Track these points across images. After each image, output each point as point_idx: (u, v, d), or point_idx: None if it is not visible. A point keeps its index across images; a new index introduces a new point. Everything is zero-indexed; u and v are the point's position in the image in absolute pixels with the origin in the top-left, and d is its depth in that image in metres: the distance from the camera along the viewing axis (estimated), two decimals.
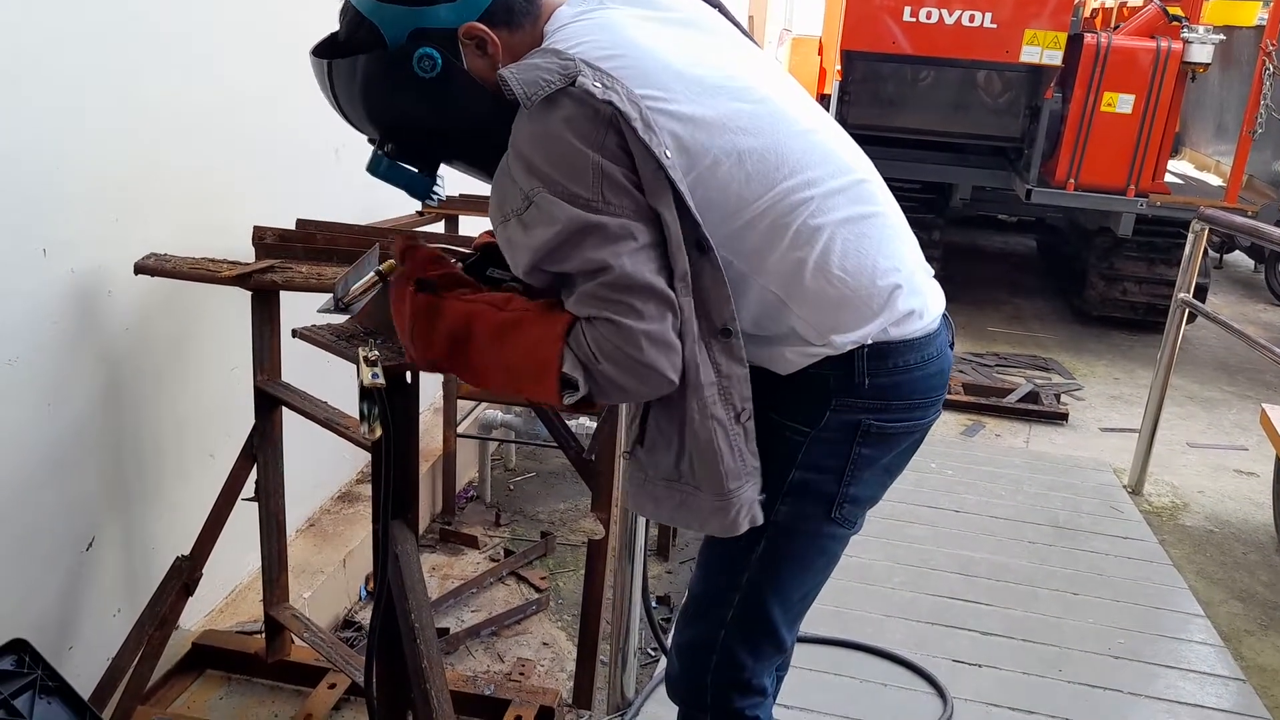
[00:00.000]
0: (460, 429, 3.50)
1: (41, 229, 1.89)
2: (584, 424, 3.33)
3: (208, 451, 2.46)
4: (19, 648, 1.89)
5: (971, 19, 5.55)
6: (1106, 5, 7.04)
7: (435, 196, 1.39)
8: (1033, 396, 5.06)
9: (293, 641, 2.40)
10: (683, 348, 1.22)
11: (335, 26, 1.34)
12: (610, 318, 1.19)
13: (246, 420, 2.14)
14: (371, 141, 1.36)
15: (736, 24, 1.45)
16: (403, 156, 1.35)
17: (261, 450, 2.15)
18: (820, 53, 6.98)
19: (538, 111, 1.16)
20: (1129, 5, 6.76)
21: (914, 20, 5.62)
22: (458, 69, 1.26)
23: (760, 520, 1.32)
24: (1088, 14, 6.78)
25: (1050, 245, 7.92)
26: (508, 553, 3.35)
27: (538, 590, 3.12)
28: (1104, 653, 2.75)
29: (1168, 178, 6.19)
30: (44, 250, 1.90)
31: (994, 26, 5.54)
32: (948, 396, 1.51)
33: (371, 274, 1.53)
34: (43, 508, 2.00)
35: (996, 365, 5.64)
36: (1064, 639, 2.81)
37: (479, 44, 1.27)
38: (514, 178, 1.21)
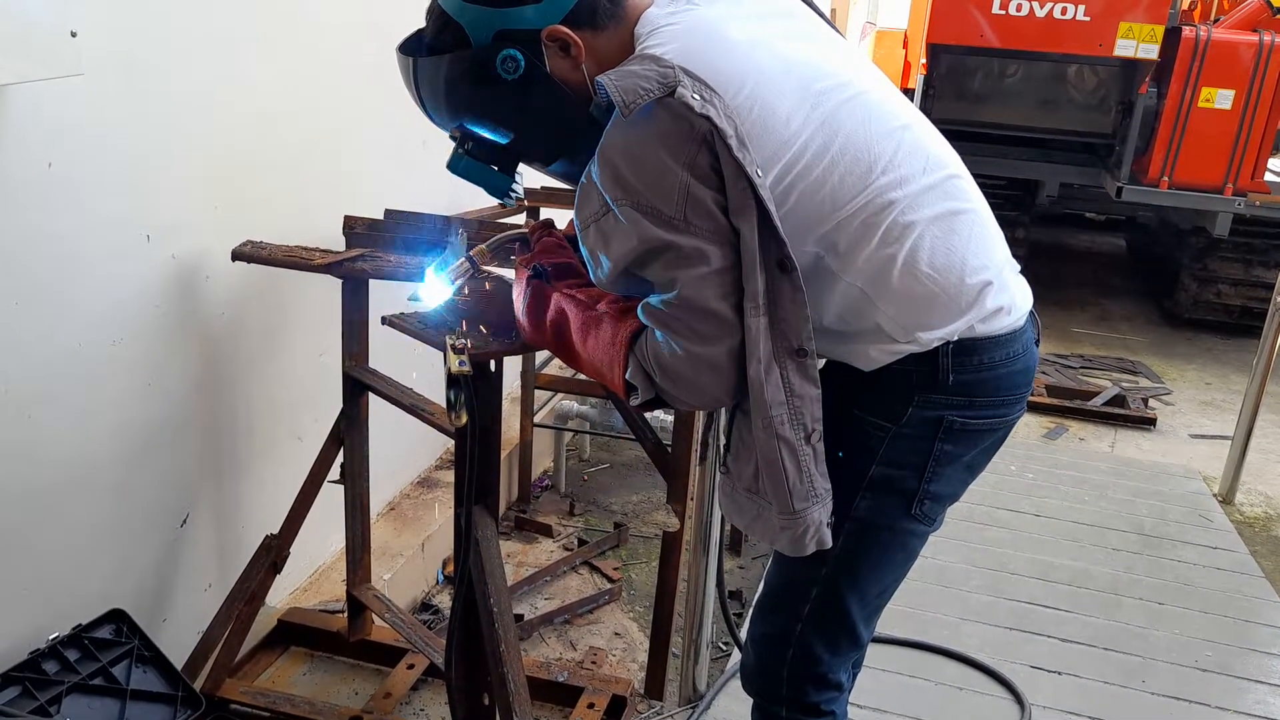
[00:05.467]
0: (537, 419, 3.54)
1: (146, 216, 1.96)
2: (660, 416, 3.35)
3: (296, 434, 2.53)
4: (117, 618, 1.98)
5: (1063, 11, 5.41)
6: None
7: (513, 195, 1.41)
8: (1119, 400, 4.92)
9: (373, 621, 2.47)
10: (746, 368, 1.23)
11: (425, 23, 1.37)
12: (669, 335, 1.24)
13: (334, 404, 2.20)
14: (453, 139, 1.38)
15: (821, 15, 1.44)
16: (482, 155, 1.37)
17: (348, 434, 2.21)
18: (905, 46, 6.87)
19: (634, 121, 1.16)
20: None
21: (1003, 13, 5.51)
22: (540, 70, 1.27)
23: (828, 544, 1.31)
24: (1186, 6, 6.54)
25: (1140, 245, 7.70)
26: (581, 542, 3.39)
27: (610, 580, 3.15)
28: (1190, 665, 2.68)
29: (1268, 176, 5.96)
30: (147, 236, 1.97)
31: (1087, 19, 5.40)
32: (1030, 398, 1.49)
33: (463, 260, 1.57)
34: (142, 484, 2.09)
35: (1081, 367, 5.50)
36: (1148, 649, 2.74)
37: (562, 46, 1.28)
38: (599, 183, 1.22)
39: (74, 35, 1.58)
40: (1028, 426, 4.57)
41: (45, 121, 1.69)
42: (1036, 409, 4.74)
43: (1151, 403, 5.00)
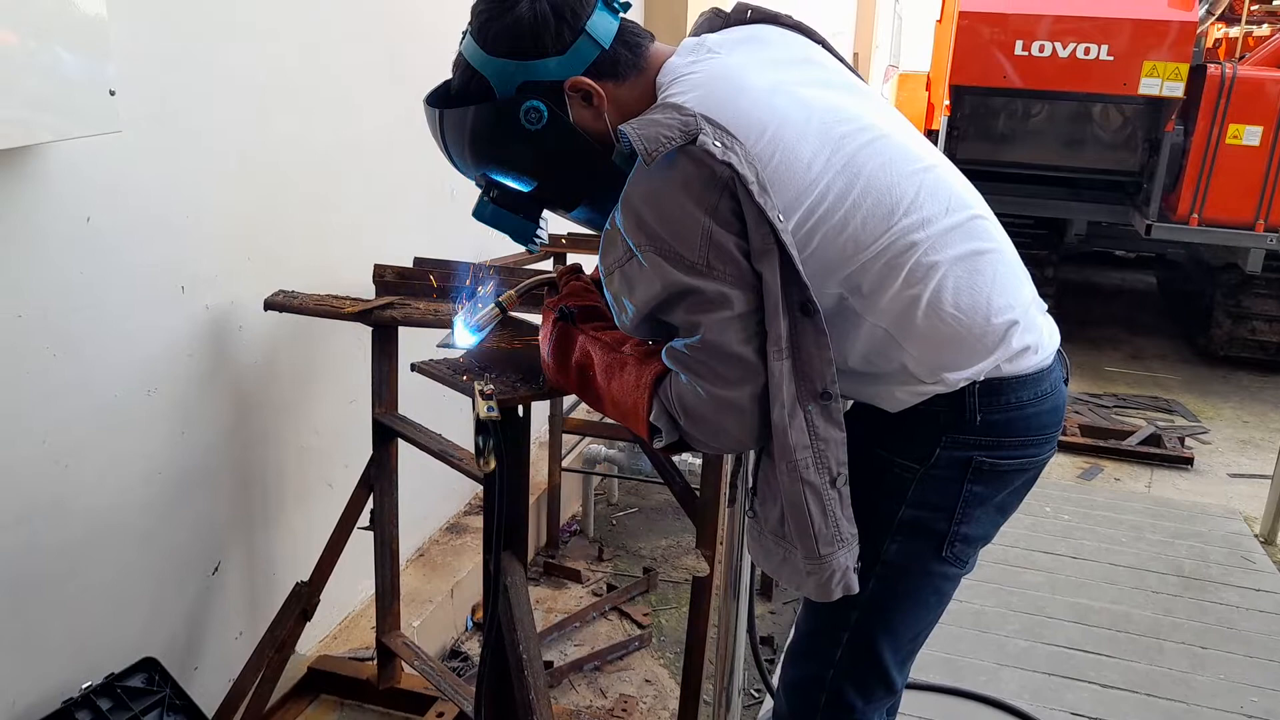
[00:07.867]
0: (565, 463, 3.54)
1: (181, 268, 2.00)
2: (689, 459, 3.33)
3: (326, 481, 2.55)
4: (149, 666, 1.98)
5: (1087, 51, 5.43)
6: (1230, 35, 6.79)
7: (538, 240, 1.43)
8: (1155, 439, 4.85)
9: (403, 669, 2.46)
10: (770, 412, 1.23)
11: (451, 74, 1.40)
12: (692, 378, 1.24)
13: (363, 451, 2.22)
14: (478, 186, 1.40)
15: (842, 59, 1.46)
16: (507, 202, 1.38)
17: (378, 480, 2.22)
18: (928, 88, 6.91)
19: (657, 169, 1.17)
20: (1254, 35, 6.52)
21: (1026, 54, 5.53)
22: (563, 120, 1.29)
23: (855, 589, 1.30)
24: (1210, 44, 6.56)
25: (1171, 282, 7.63)
26: (610, 588, 3.36)
27: (640, 626, 3.12)
28: (1236, 710, 2.61)
29: None
30: (182, 288, 2.01)
31: (1110, 59, 5.41)
32: (1063, 438, 1.48)
33: (492, 306, 1.58)
34: (175, 532, 2.10)
35: (1115, 406, 5.43)
36: (1192, 695, 2.67)
37: (585, 96, 1.30)
38: (623, 230, 1.24)
39: (112, 94, 1.63)
40: (1062, 467, 4.51)
41: (83, 177, 1.74)
42: (1071, 449, 4.68)
43: (1188, 442, 4.92)
